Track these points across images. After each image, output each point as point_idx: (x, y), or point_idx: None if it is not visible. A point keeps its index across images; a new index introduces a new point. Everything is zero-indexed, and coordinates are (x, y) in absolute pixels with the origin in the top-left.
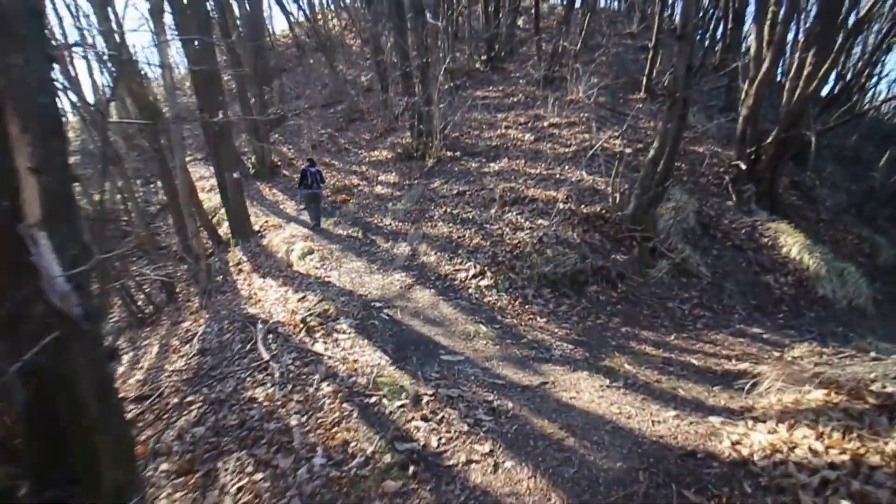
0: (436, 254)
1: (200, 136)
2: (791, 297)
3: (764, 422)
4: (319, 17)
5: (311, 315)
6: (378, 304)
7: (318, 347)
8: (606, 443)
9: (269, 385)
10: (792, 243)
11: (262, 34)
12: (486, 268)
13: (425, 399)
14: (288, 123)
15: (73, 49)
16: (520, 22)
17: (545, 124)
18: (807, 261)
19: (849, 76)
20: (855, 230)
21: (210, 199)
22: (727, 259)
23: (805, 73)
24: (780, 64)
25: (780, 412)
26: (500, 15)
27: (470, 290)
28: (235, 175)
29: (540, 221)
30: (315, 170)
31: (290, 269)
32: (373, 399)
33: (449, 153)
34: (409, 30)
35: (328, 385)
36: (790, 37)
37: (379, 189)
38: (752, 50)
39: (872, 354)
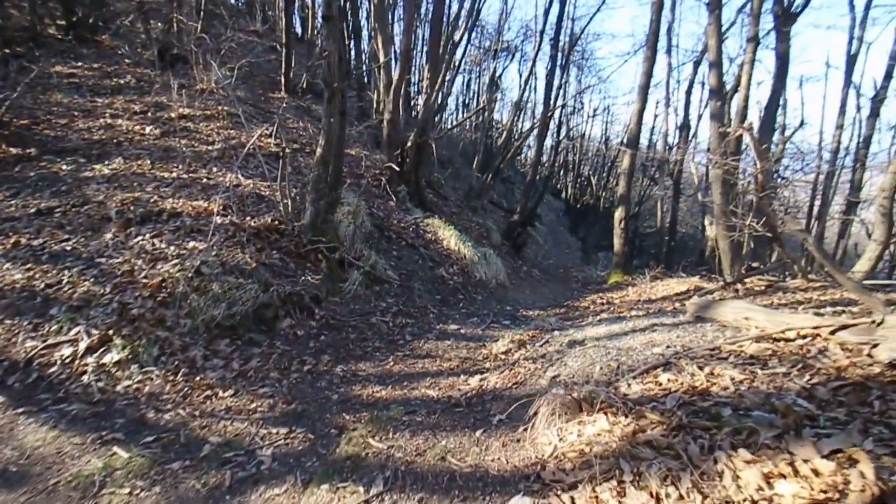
0: (3, 322)
1: None
2: (461, 285)
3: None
4: None
5: None
6: None
7: None
8: None
9: None
10: (448, 236)
11: None
12: (111, 331)
13: None
14: None
15: None
16: None
17: (173, 115)
18: (463, 250)
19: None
20: (474, 219)
21: None
22: (407, 258)
23: (427, 84)
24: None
25: (574, 466)
26: None
27: (86, 379)
28: None
29: (192, 245)
30: None
31: None
32: None
33: (13, 150)
34: None
35: None
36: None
37: None
38: (381, 58)
39: (571, 333)
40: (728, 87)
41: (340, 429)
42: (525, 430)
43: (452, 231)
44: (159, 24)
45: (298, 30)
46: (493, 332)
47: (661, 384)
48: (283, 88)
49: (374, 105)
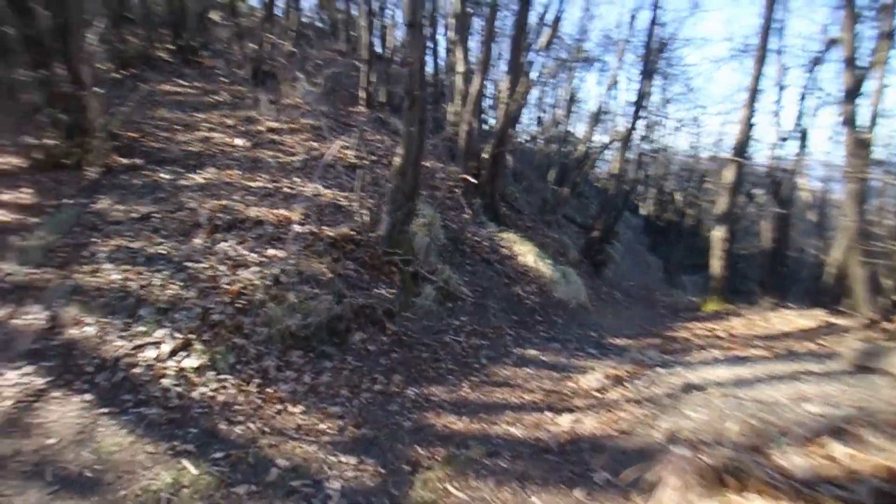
0: (98, 321)
1: None
2: (539, 305)
3: None
4: None
5: None
6: None
7: None
8: None
9: None
10: (525, 251)
11: None
12: (192, 335)
13: None
14: None
15: None
16: (215, 17)
17: (262, 128)
18: (541, 267)
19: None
20: (550, 234)
21: None
22: (481, 274)
23: (506, 94)
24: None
25: None
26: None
27: (165, 382)
28: None
29: (272, 252)
30: None
31: None
32: None
33: (123, 160)
34: None
35: None
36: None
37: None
38: (460, 69)
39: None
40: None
41: (414, 465)
42: (644, 500)
43: (530, 246)
44: (252, 45)
45: (378, 48)
46: (578, 362)
47: (835, 459)
48: (362, 102)
49: (449, 117)
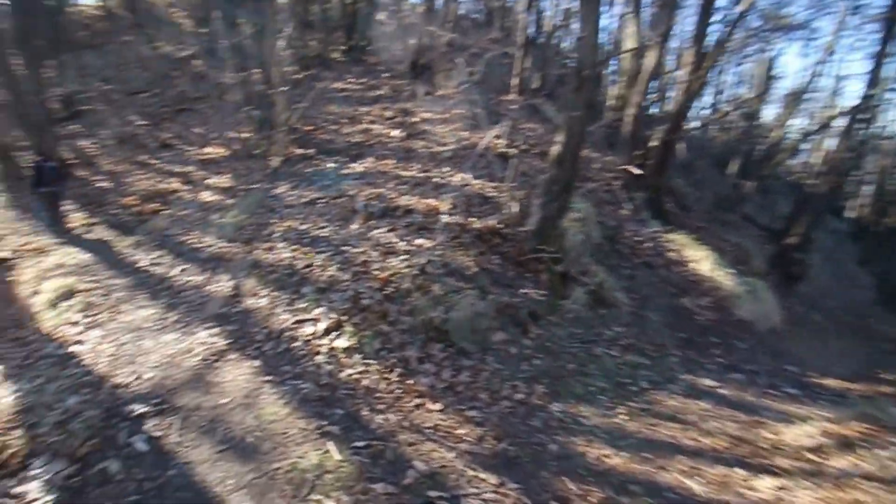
0: (270, 294)
1: None
2: (715, 323)
3: None
4: None
5: None
6: (139, 410)
7: None
8: None
9: None
10: (698, 257)
11: None
12: (344, 317)
13: None
14: (90, 112)
15: None
16: (381, 17)
17: (416, 119)
18: (719, 278)
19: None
20: (727, 238)
21: None
22: (641, 280)
23: (689, 69)
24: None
25: None
26: (358, 2)
27: (318, 359)
28: None
29: (420, 241)
30: (52, 165)
31: (32, 322)
32: None
33: (300, 150)
34: None
35: None
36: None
37: (206, 196)
38: (629, 45)
39: None
40: None
41: (562, 502)
42: None
43: (704, 251)
44: (411, 40)
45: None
46: (775, 404)
47: None
48: (514, 90)
49: (609, 102)
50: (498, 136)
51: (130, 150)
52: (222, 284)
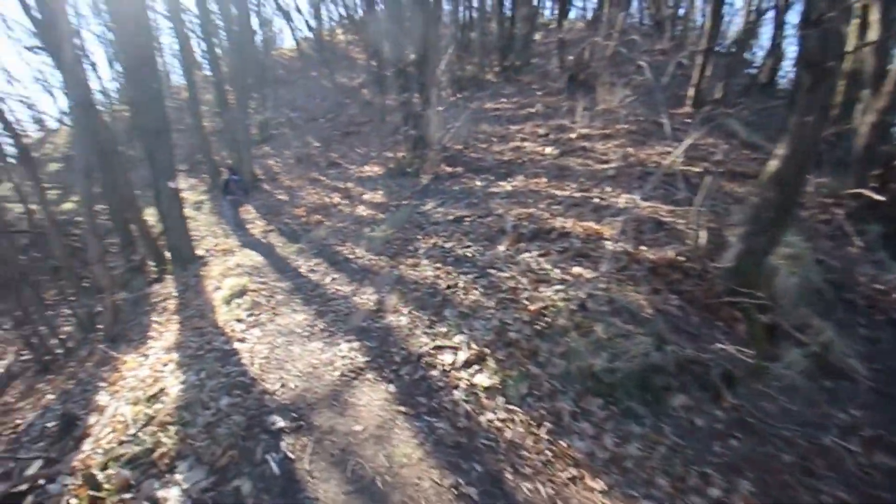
0: (411, 312)
1: (186, 146)
2: None
3: None
4: (327, 32)
5: (121, 458)
6: (279, 424)
7: None
8: None
9: None
10: None
11: (249, 38)
12: (487, 350)
13: None
14: (279, 135)
15: None
16: (536, 37)
17: (572, 136)
18: None
19: None
20: None
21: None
22: (887, 345)
23: None
24: None
25: None
26: (516, 25)
27: (456, 395)
28: (172, 184)
29: (578, 270)
30: (237, 178)
31: (211, 315)
32: None
33: (448, 168)
34: (408, 19)
35: None
36: None
37: (361, 210)
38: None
39: None
40: None
41: None
42: None
43: None
44: (570, 56)
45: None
46: None
47: None
48: (689, 102)
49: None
50: (668, 151)
51: (305, 168)
52: (367, 297)
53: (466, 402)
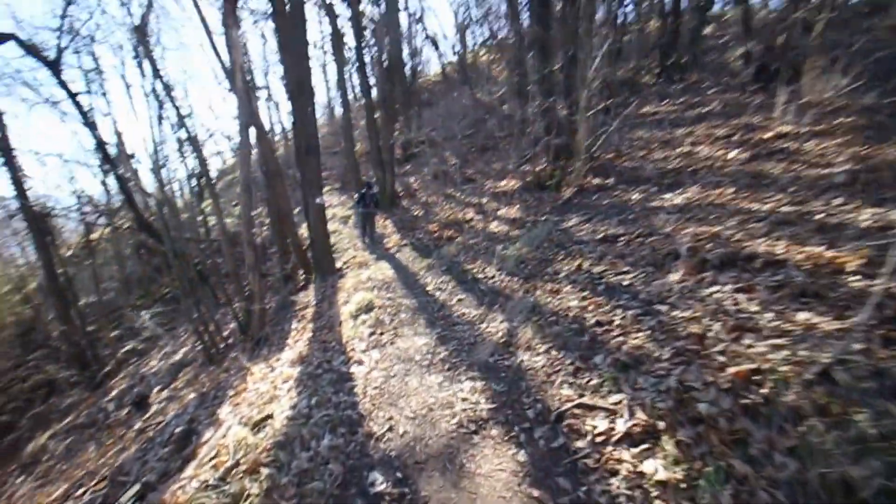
0: (549, 352)
1: (340, 166)
2: None
3: None
4: (470, 53)
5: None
6: (378, 485)
7: None
8: None
9: None
10: None
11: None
12: (661, 423)
13: None
14: (419, 154)
15: None
16: (707, 31)
17: (766, 136)
18: None
19: None
20: None
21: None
22: None
23: None
24: None
25: None
26: (682, 19)
27: (614, 484)
28: (318, 201)
29: (807, 318)
30: (373, 192)
31: (338, 328)
32: None
33: (596, 180)
34: (557, 21)
35: None
36: None
37: (494, 226)
38: None
39: None
40: None
41: None
42: None
43: None
44: (759, 43)
45: None
46: None
47: None
48: None
49: None
50: None
51: (441, 185)
52: (496, 325)
53: (630, 498)
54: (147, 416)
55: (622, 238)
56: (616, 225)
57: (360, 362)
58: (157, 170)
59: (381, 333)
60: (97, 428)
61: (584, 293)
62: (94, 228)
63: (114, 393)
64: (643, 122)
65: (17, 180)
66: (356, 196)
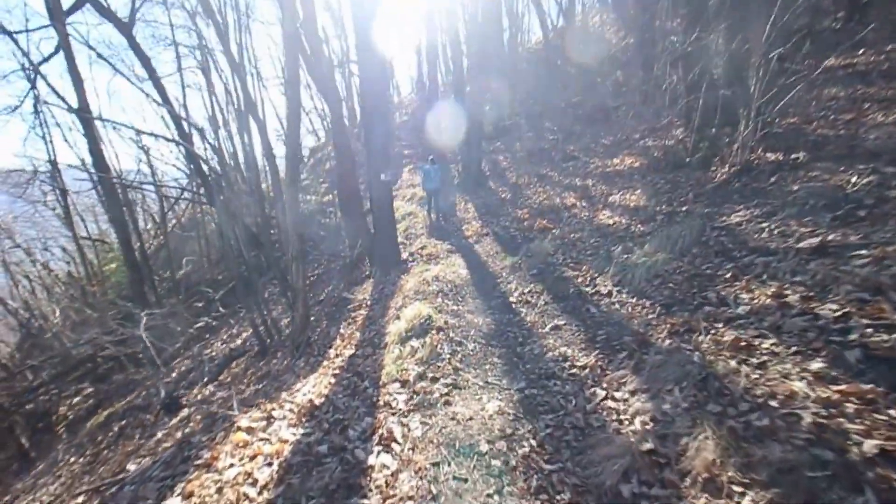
0: (759, 493)
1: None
2: None
3: None
4: (579, 16)
5: None
6: None
7: None
8: None
9: None
10: None
11: (493, 33)
12: None
13: None
14: (513, 128)
15: None
16: None
17: None
18: None
19: None
20: None
21: (399, 207)
22: None
23: None
24: None
25: None
26: None
27: None
28: (384, 177)
29: None
30: (436, 167)
31: (380, 352)
32: None
33: (770, 155)
34: None
35: None
36: None
37: (606, 217)
38: None
39: None
40: None
41: None
42: None
43: None
44: None
45: None
46: None
47: None
48: None
49: None
50: None
51: (536, 163)
52: (625, 401)
53: None
54: (172, 422)
55: (856, 248)
56: (827, 226)
57: (388, 443)
58: (225, 149)
59: (434, 378)
60: (148, 412)
61: (796, 346)
62: (173, 204)
63: (174, 375)
64: (831, 78)
65: (97, 151)
66: (420, 174)
